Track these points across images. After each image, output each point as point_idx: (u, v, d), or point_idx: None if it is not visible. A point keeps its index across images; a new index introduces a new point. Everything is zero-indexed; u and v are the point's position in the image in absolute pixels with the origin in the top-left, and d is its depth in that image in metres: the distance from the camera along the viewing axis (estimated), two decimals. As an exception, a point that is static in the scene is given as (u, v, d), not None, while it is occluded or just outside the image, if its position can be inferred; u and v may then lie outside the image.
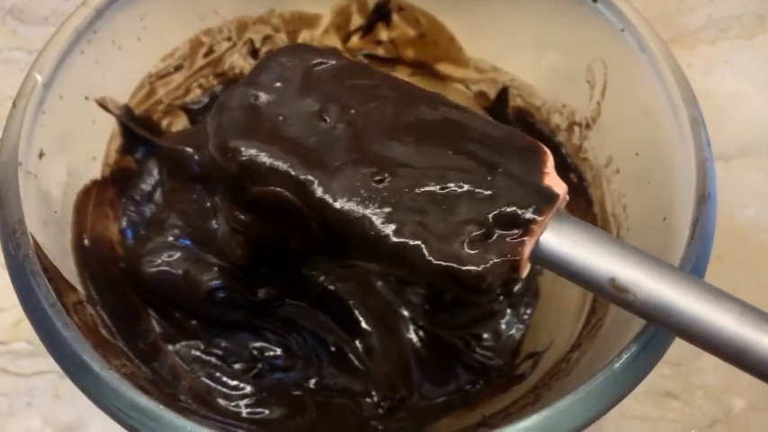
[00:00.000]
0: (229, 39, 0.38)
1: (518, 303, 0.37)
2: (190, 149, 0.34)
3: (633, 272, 0.23)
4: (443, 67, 0.40)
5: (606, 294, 0.23)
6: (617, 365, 0.23)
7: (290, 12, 0.39)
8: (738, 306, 0.22)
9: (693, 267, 0.25)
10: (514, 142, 0.27)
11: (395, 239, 0.23)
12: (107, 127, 0.34)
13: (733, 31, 0.51)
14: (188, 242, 0.34)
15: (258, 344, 0.34)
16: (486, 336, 0.37)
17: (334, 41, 0.40)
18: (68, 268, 0.28)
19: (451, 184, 0.24)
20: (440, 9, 0.39)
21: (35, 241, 0.25)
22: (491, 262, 0.23)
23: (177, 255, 0.34)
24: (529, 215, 0.24)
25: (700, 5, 0.52)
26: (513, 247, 0.23)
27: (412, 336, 0.36)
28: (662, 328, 0.24)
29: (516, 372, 0.34)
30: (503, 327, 0.37)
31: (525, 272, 0.24)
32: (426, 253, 0.23)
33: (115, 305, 0.29)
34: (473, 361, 0.36)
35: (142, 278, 0.33)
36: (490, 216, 0.24)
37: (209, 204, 0.33)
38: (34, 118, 0.28)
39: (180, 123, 0.38)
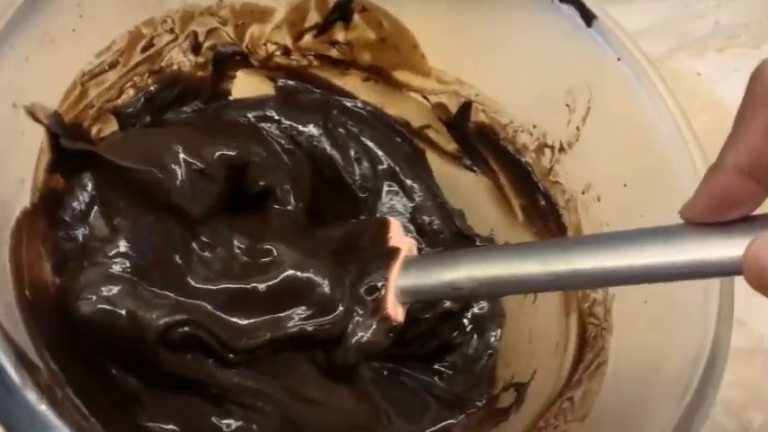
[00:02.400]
0: (172, 30, 0.32)
1: (484, 328, 0.36)
2: (155, 171, 0.28)
3: (464, 274, 0.28)
4: (401, 75, 0.38)
5: (454, 296, 0.32)
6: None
7: (242, 3, 0.34)
8: (540, 253, 0.27)
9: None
10: (364, 230, 0.33)
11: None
12: (35, 140, 0.27)
13: (740, 39, 0.51)
14: (136, 276, 0.28)
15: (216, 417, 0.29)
16: (456, 365, 0.35)
17: (284, 39, 0.36)
18: (23, 337, 0.22)
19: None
20: (407, 13, 0.36)
21: None
22: (371, 327, 0.30)
23: (119, 289, 0.27)
24: (379, 279, 0.30)
25: (707, 11, 0.51)
26: (378, 309, 0.30)
27: (373, 376, 0.34)
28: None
29: (498, 404, 0.33)
30: (471, 353, 0.36)
31: (402, 316, 0.31)
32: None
33: (79, 374, 0.23)
34: (445, 393, 0.34)
35: (76, 322, 0.27)
36: (361, 293, 0.30)
37: (175, 236, 0.28)
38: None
39: (109, 129, 0.32)
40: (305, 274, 0.30)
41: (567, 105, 0.34)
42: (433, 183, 0.39)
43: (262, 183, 0.33)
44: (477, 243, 0.38)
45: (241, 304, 0.29)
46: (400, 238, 0.32)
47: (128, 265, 0.28)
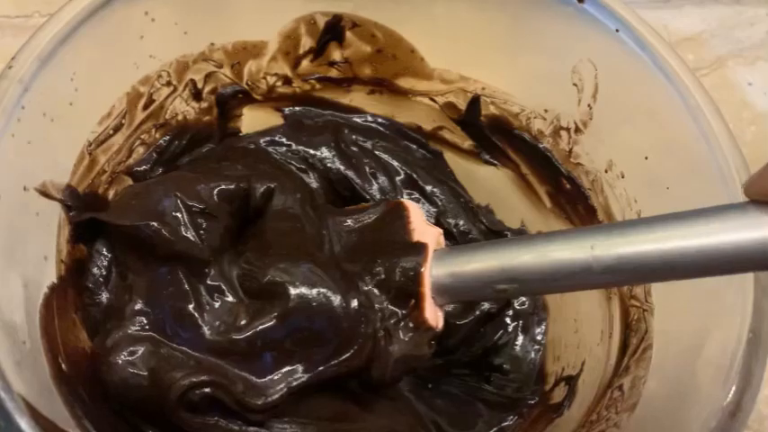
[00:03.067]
0: (169, 83, 0.33)
1: (528, 324, 0.36)
2: (154, 224, 0.28)
3: (509, 274, 0.26)
4: (404, 82, 0.37)
5: (496, 298, 0.30)
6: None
7: (233, 43, 0.34)
8: (588, 240, 0.24)
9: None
10: (380, 220, 0.30)
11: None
12: (52, 216, 0.28)
13: (792, 49, 0.48)
14: (156, 333, 0.28)
15: None
16: (504, 366, 0.35)
17: (282, 69, 0.36)
18: (59, 412, 0.23)
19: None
20: (397, 20, 0.35)
21: (28, 405, 0.20)
22: (411, 339, 0.28)
23: (142, 350, 0.28)
24: (410, 284, 0.28)
25: (759, 20, 0.48)
26: (415, 318, 0.28)
27: (418, 389, 0.33)
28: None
29: (551, 400, 0.33)
30: (518, 351, 0.35)
31: (441, 321, 0.28)
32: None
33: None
34: (496, 396, 0.34)
35: (107, 385, 0.27)
36: (387, 305, 0.28)
37: (186, 285, 0.28)
38: (-23, 232, 0.23)
39: (126, 190, 0.33)
40: (314, 298, 0.27)
41: (575, 84, 0.33)
42: (454, 183, 0.38)
43: (263, 188, 0.31)
44: (510, 237, 0.37)
45: (256, 357, 0.28)
46: (423, 227, 0.30)
47: (145, 322, 0.28)
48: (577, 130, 0.34)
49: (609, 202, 0.33)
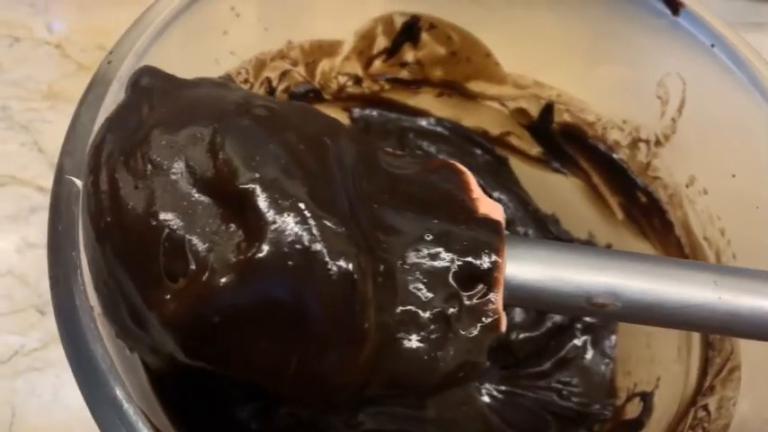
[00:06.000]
0: (246, 81, 0.32)
1: (598, 337, 0.35)
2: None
3: (608, 284, 0.21)
4: (475, 86, 0.36)
5: (586, 312, 0.21)
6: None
7: (310, 42, 0.33)
8: (711, 275, 0.21)
9: None
10: (423, 171, 0.23)
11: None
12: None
13: None
14: None
15: None
16: (574, 380, 0.34)
17: (354, 68, 0.35)
18: (160, 419, 0.22)
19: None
20: (475, 23, 0.35)
21: (142, 412, 0.19)
22: (474, 339, 0.20)
23: None
24: (485, 263, 0.20)
25: None
26: (486, 309, 0.20)
27: (489, 401, 0.33)
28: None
29: (624, 416, 0.32)
30: (588, 365, 0.35)
31: (505, 324, 0.21)
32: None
33: None
34: (565, 410, 0.33)
35: None
36: (451, 283, 0.20)
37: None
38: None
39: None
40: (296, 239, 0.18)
41: (659, 97, 0.32)
42: (520, 191, 0.38)
43: None
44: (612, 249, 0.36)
45: None
46: (487, 200, 0.22)
47: None
48: (658, 142, 0.33)
49: (688, 217, 0.32)
